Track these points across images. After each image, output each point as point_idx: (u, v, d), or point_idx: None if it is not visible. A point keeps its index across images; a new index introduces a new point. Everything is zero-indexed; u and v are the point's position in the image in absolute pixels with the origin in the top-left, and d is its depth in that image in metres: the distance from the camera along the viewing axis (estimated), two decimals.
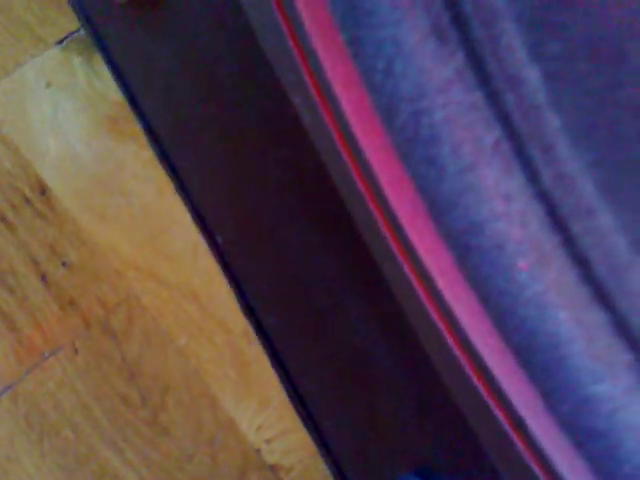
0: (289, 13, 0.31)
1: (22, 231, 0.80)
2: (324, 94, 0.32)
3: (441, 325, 0.35)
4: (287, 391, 0.71)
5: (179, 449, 0.81)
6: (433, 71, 0.29)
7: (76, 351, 0.80)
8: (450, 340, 0.35)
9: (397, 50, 0.29)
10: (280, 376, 0.70)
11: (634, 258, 0.29)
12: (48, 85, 0.81)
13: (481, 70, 0.28)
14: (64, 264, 0.80)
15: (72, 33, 0.81)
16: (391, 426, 0.54)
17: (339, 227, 0.40)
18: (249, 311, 0.68)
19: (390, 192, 0.32)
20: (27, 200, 0.80)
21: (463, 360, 0.35)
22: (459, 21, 0.28)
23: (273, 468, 0.82)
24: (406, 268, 0.34)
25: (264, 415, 0.83)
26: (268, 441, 0.82)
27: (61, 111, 0.81)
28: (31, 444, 0.77)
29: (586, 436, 0.31)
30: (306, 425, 0.70)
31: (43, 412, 0.78)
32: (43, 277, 0.80)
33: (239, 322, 0.79)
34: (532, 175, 0.29)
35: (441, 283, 0.33)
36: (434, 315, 0.35)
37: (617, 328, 0.30)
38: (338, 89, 0.31)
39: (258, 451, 0.82)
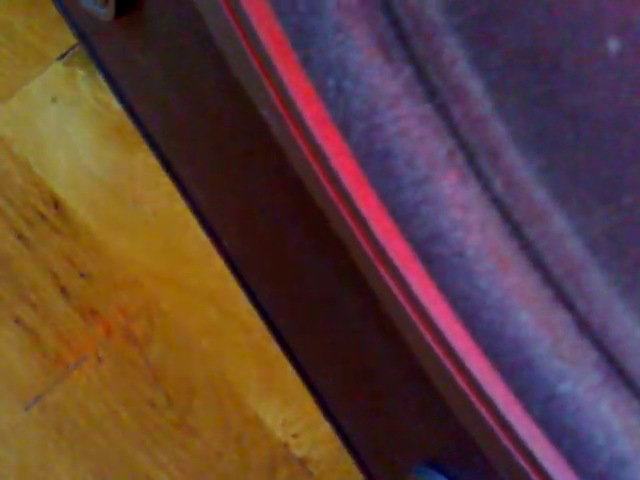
0: (248, 33, 0.32)
1: (39, 246, 0.81)
2: (288, 110, 0.33)
3: (420, 327, 0.35)
4: (307, 387, 0.72)
5: (208, 448, 0.82)
6: (382, 87, 0.29)
7: (100, 359, 0.81)
8: (430, 341, 0.35)
9: (345, 69, 0.29)
10: (298, 373, 0.71)
11: (589, 260, 0.29)
12: (54, 100, 0.82)
13: (427, 84, 0.29)
14: (82, 275, 0.82)
15: (73, 47, 0.83)
16: (401, 420, 0.55)
17: (328, 228, 0.41)
18: (261, 311, 0.69)
19: (358, 201, 0.33)
20: (42, 215, 0.81)
21: (444, 360, 0.35)
22: (402, 38, 0.28)
23: (302, 461, 0.83)
24: (382, 273, 0.35)
25: (289, 410, 0.84)
26: (295, 435, 0.83)
27: (69, 125, 0.82)
28: (62, 452, 0.79)
29: (559, 434, 0.31)
30: (327, 419, 0.71)
31: (72, 420, 0.80)
32: (63, 290, 0.82)
33: (258, 321, 0.80)
34: (485, 184, 0.29)
35: (415, 288, 0.34)
36: (414, 318, 0.35)
37: (580, 327, 0.30)
38: (300, 103, 0.32)
39: (286, 445, 0.83)
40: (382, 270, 0.35)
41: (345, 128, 0.31)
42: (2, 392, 0.79)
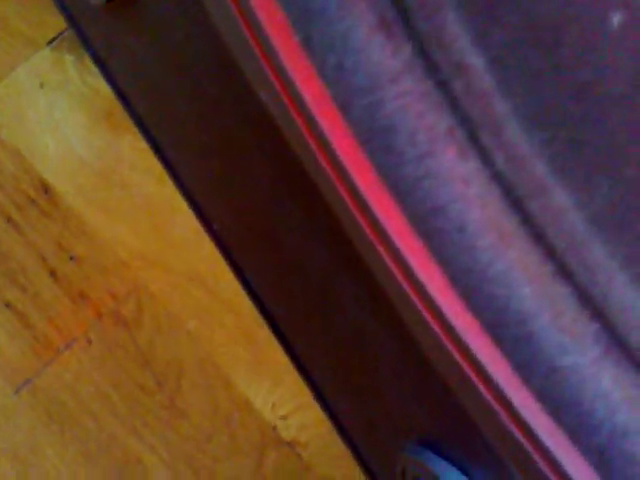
0: (247, 15, 0.32)
1: (29, 230, 0.81)
2: (287, 90, 0.33)
3: (418, 303, 0.36)
4: (296, 368, 0.72)
5: (197, 430, 0.83)
6: (383, 64, 0.29)
7: (90, 342, 0.81)
8: (428, 318, 0.36)
9: (346, 46, 0.30)
10: (288, 355, 0.71)
11: (590, 233, 0.29)
12: (42, 85, 0.82)
13: (428, 60, 0.29)
14: (72, 259, 0.82)
15: (62, 32, 0.82)
16: (393, 398, 0.55)
17: (322, 213, 0.41)
18: (253, 295, 0.69)
19: (357, 179, 0.33)
20: (31, 200, 0.81)
21: (442, 337, 0.36)
22: (403, 15, 0.28)
23: (291, 444, 0.84)
24: (381, 251, 0.35)
25: (278, 393, 0.84)
26: (284, 417, 0.84)
27: (57, 110, 0.82)
28: (53, 435, 0.79)
29: (559, 407, 0.32)
30: (317, 400, 0.71)
31: (62, 403, 0.80)
32: (52, 273, 0.82)
33: (247, 303, 0.80)
34: (486, 158, 0.29)
35: (413, 264, 0.34)
36: (411, 295, 0.36)
37: (581, 300, 0.31)
38: (299, 85, 0.32)
39: (274, 428, 0.84)
40: (380, 246, 0.35)
41: (346, 105, 0.31)
42: None
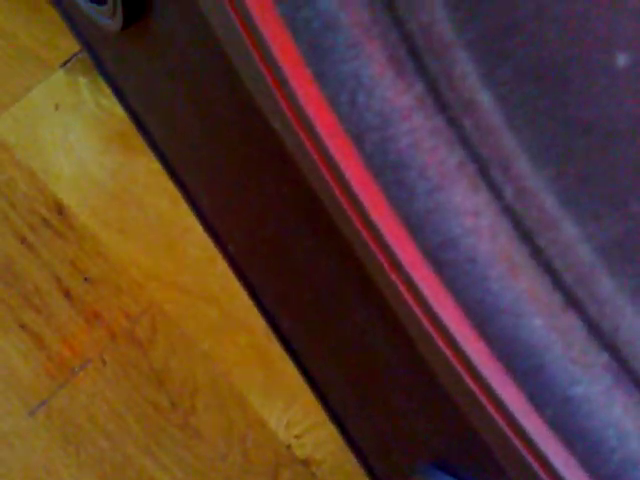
0: (261, 47, 0.33)
1: (43, 251, 0.82)
2: (301, 122, 0.34)
3: (432, 331, 0.36)
4: (311, 388, 0.72)
5: (212, 450, 0.83)
6: (395, 101, 0.30)
7: (104, 362, 0.82)
8: (442, 345, 0.36)
9: (358, 83, 0.30)
10: (302, 375, 0.72)
11: (598, 265, 0.30)
12: (57, 107, 0.83)
13: (439, 97, 0.29)
14: (86, 279, 0.83)
15: (76, 54, 0.83)
16: (407, 420, 0.56)
17: (336, 237, 0.42)
18: (266, 314, 0.70)
19: (371, 210, 0.34)
20: (45, 221, 0.82)
21: (456, 365, 0.36)
22: (414, 53, 0.29)
23: (305, 462, 0.84)
24: (395, 279, 0.36)
25: (292, 411, 0.84)
26: (298, 436, 0.84)
27: (71, 131, 0.83)
28: (68, 456, 0.80)
29: (572, 436, 0.32)
30: (332, 421, 0.72)
31: (77, 424, 0.81)
32: (67, 293, 0.82)
33: (261, 322, 0.81)
34: (496, 192, 0.30)
35: (427, 293, 0.35)
36: (425, 322, 0.36)
37: (591, 331, 0.31)
38: (312, 117, 0.33)
39: (289, 447, 0.84)
40: (394, 276, 0.36)
41: (359, 140, 0.32)
42: (7, 397, 0.80)
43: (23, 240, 0.82)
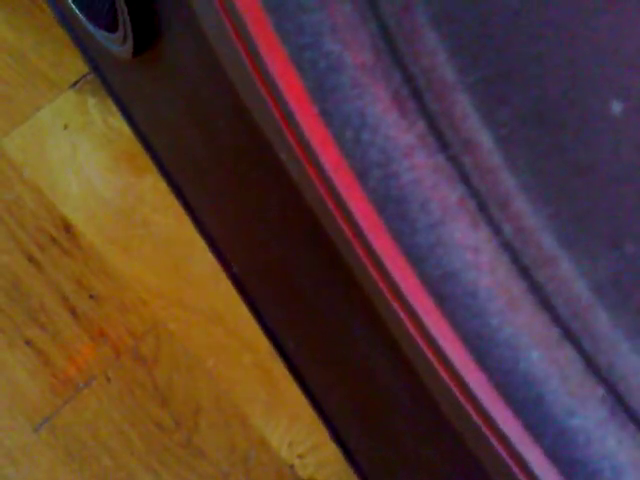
0: (268, 83, 0.34)
1: (50, 269, 0.83)
2: (306, 155, 0.34)
3: (433, 360, 0.37)
4: (314, 409, 0.73)
5: (215, 469, 0.84)
6: (397, 139, 0.31)
7: (109, 380, 0.83)
8: (443, 374, 0.37)
9: (363, 121, 0.31)
10: (306, 395, 0.72)
11: (594, 301, 0.31)
12: (65, 127, 0.84)
13: (440, 136, 0.30)
14: (92, 297, 0.83)
15: (85, 75, 0.84)
16: (409, 444, 0.56)
17: (339, 263, 0.42)
18: (270, 334, 0.70)
19: (374, 242, 0.35)
20: (53, 239, 0.83)
21: (456, 392, 0.37)
22: (416, 94, 0.30)
23: None
24: (396, 308, 0.37)
25: (295, 431, 0.85)
26: (300, 456, 0.85)
27: (80, 151, 0.84)
28: (72, 473, 0.80)
29: (568, 466, 0.33)
30: (335, 442, 0.72)
31: (81, 441, 0.81)
32: (72, 311, 0.83)
33: (264, 341, 0.81)
34: (495, 229, 0.31)
35: (428, 323, 0.35)
36: (425, 351, 0.37)
37: (587, 365, 0.32)
38: (318, 151, 0.33)
39: (292, 467, 0.84)
40: (395, 305, 0.36)
41: (362, 175, 0.32)
42: (12, 413, 0.81)
43: (30, 258, 0.82)
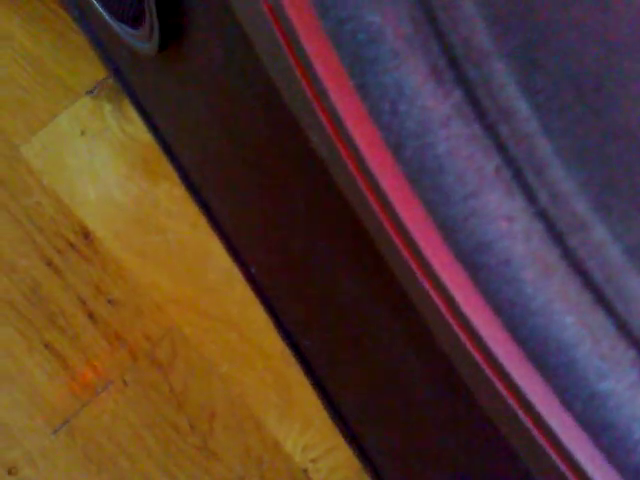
0: (303, 62, 0.35)
1: (68, 274, 0.84)
2: (339, 132, 0.35)
3: (462, 335, 0.37)
4: (328, 411, 0.73)
5: (229, 472, 0.84)
6: (434, 109, 0.32)
7: (126, 384, 0.83)
8: (471, 348, 0.37)
9: (400, 92, 0.32)
10: (320, 396, 0.72)
11: (627, 265, 0.31)
12: (82, 133, 0.85)
13: (476, 105, 0.31)
14: (109, 302, 0.84)
15: (101, 81, 0.86)
16: (428, 440, 0.56)
17: (366, 252, 0.43)
18: (286, 335, 0.71)
19: (405, 216, 0.35)
20: (71, 244, 0.84)
21: (485, 366, 0.37)
22: (454, 63, 0.31)
23: None
24: (426, 285, 0.37)
25: (308, 435, 0.85)
26: (314, 460, 0.85)
27: (97, 157, 0.85)
28: (90, 475, 0.81)
29: (598, 429, 0.33)
30: (349, 443, 0.72)
31: (99, 444, 0.82)
32: (91, 315, 0.84)
33: (278, 346, 0.82)
34: (530, 197, 0.32)
35: (458, 296, 0.36)
36: (454, 326, 0.38)
37: (619, 329, 0.33)
38: (351, 127, 0.34)
39: (305, 471, 0.85)
40: (427, 285, 0.37)
41: (398, 147, 0.33)
42: (31, 416, 0.81)
43: (49, 263, 0.83)
